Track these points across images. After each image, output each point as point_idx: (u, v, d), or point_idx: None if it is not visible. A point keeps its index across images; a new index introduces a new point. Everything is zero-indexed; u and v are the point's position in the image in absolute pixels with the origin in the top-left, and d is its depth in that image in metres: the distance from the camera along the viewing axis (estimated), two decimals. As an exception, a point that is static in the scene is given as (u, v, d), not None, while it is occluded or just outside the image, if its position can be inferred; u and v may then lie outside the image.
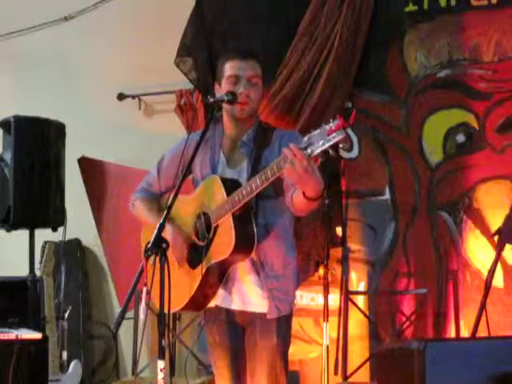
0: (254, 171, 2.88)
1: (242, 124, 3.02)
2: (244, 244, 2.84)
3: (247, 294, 2.96)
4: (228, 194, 2.85)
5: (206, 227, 2.94)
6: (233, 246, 2.80)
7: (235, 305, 2.98)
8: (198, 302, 2.97)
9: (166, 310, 2.57)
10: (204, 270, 2.89)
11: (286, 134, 3.02)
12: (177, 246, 2.96)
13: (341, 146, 2.51)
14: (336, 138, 2.48)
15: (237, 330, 3.03)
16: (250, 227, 2.85)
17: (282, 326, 2.96)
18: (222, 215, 2.85)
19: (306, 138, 2.56)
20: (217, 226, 2.89)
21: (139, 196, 3.20)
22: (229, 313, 3.01)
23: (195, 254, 2.96)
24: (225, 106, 2.97)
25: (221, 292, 2.97)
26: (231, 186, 2.88)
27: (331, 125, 2.49)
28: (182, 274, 2.96)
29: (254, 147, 2.98)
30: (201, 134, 2.91)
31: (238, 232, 2.81)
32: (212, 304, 3.00)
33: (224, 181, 2.91)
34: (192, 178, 3.12)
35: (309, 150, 2.54)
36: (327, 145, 2.51)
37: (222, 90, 2.99)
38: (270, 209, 2.93)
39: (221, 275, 2.93)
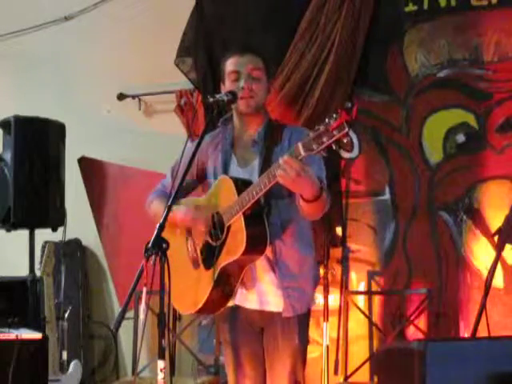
0: (264, 169, 2.88)
1: (251, 122, 3.02)
2: (255, 244, 2.83)
3: (265, 293, 2.96)
4: (239, 193, 2.85)
5: (220, 227, 2.93)
6: (244, 246, 2.80)
7: (253, 304, 2.98)
8: (214, 303, 2.95)
9: (165, 310, 2.57)
10: (218, 271, 2.89)
11: (295, 131, 3.02)
12: (198, 219, 2.95)
13: (344, 140, 2.51)
14: (339, 132, 2.49)
15: (252, 329, 3.02)
16: (261, 227, 2.84)
17: (302, 326, 2.97)
18: (233, 215, 2.85)
19: (310, 134, 2.56)
20: (229, 226, 2.89)
21: (155, 196, 3.20)
22: (245, 312, 3.01)
23: (209, 255, 2.96)
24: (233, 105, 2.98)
25: (240, 291, 2.97)
26: (242, 185, 2.88)
27: (334, 120, 2.50)
28: (197, 275, 2.96)
29: (264, 145, 2.98)
30: (200, 134, 2.91)
31: (249, 232, 2.81)
32: (231, 303, 2.99)
33: (235, 181, 2.91)
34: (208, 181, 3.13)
35: (313, 146, 2.55)
36: (331, 140, 2.51)
37: (226, 88, 3.00)
38: (285, 207, 2.93)
39: (236, 275, 2.92)
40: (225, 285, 2.92)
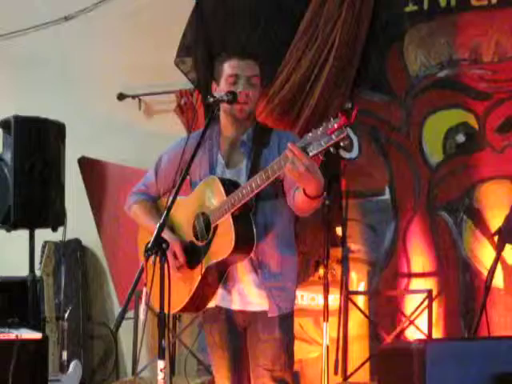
0: (253, 171, 2.89)
1: (241, 124, 3.02)
2: (243, 244, 2.84)
3: (246, 294, 2.97)
4: (227, 194, 2.85)
5: (206, 227, 2.94)
6: (232, 246, 2.80)
7: (235, 305, 2.98)
8: (197, 302, 2.97)
9: (166, 311, 2.57)
10: (203, 271, 2.89)
11: (284, 135, 3.02)
12: (173, 254, 2.95)
13: (342, 144, 2.51)
14: (337, 136, 2.48)
15: (237, 330, 3.03)
16: (249, 227, 2.85)
17: (284, 323, 2.97)
18: (221, 215, 2.85)
19: (307, 137, 2.56)
20: (216, 227, 2.89)
21: (136, 199, 3.19)
22: (229, 313, 3.01)
23: (194, 255, 2.96)
24: (224, 106, 2.97)
25: (221, 292, 2.97)
26: (230, 186, 2.88)
27: (333, 123, 2.49)
28: (180, 275, 2.96)
29: (253, 147, 2.98)
30: (201, 134, 2.91)
31: (238, 232, 2.81)
32: (212, 304, 3.00)
33: (223, 181, 2.91)
34: (189, 180, 3.11)
35: (311, 148, 2.54)
36: (328, 143, 2.51)
37: (220, 89, 2.99)
38: (270, 209, 2.94)
39: (220, 275, 2.93)
40: (208, 285, 2.93)
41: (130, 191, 3.25)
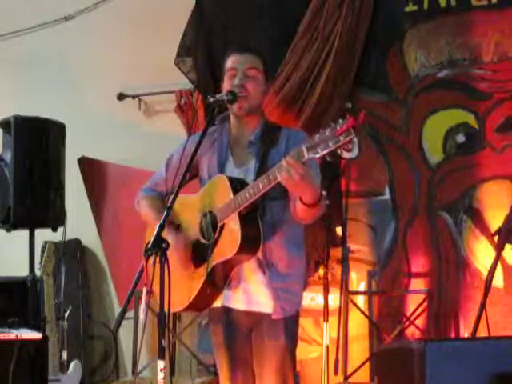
0: (261, 170, 2.87)
1: (247, 123, 3.01)
2: (249, 244, 2.83)
3: (254, 294, 2.95)
4: (235, 193, 2.84)
5: (212, 226, 2.93)
6: (238, 245, 2.79)
7: (241, 305, 2.96)
8: (201, 301, 2.96)
9: (166, 310, 2.57)
10: (209, 270, 2.89)
11: (292, 133, 3.01)
12: (178, 251, 2.94)
13: (349, 145, 2.51)
14: (345, 138, 2.48)
15: (242, 331, 3.01)
16: (256, 227, 2.84)
17: (289, 326, 2.95)
18: (228, 214, 2.84)
19: (315, 137, 2.55)
20: (223, 225, 2.88)
21: (145, 195, 3.19)
22: (234, 313, 3.00)
23: (200, 253, 2.95)
24: (228, 105, 2.97)
25: (227, 292, 2.96)
26: (238, 185, 2.86)
27: (341, 125, 2.49)
28: (185, 273, 2.95)
29: (261, 147, 2.97)
30: (201, 133, 2.91)
31: (244, 232, 2.80)
32: (218, 303, 2.99)
33: (231, 180, 2.90)
34: (199, 179, 3.11)
35: (318, 149, 2.54)
36: (337, 145, 2.50)
37: (224, 86, 3.00)
38: (278, 208, 2.92)
39: (225, 275, 2.91)
40: (214, 284, 2.92)
41: (134, 190, 3.25)
